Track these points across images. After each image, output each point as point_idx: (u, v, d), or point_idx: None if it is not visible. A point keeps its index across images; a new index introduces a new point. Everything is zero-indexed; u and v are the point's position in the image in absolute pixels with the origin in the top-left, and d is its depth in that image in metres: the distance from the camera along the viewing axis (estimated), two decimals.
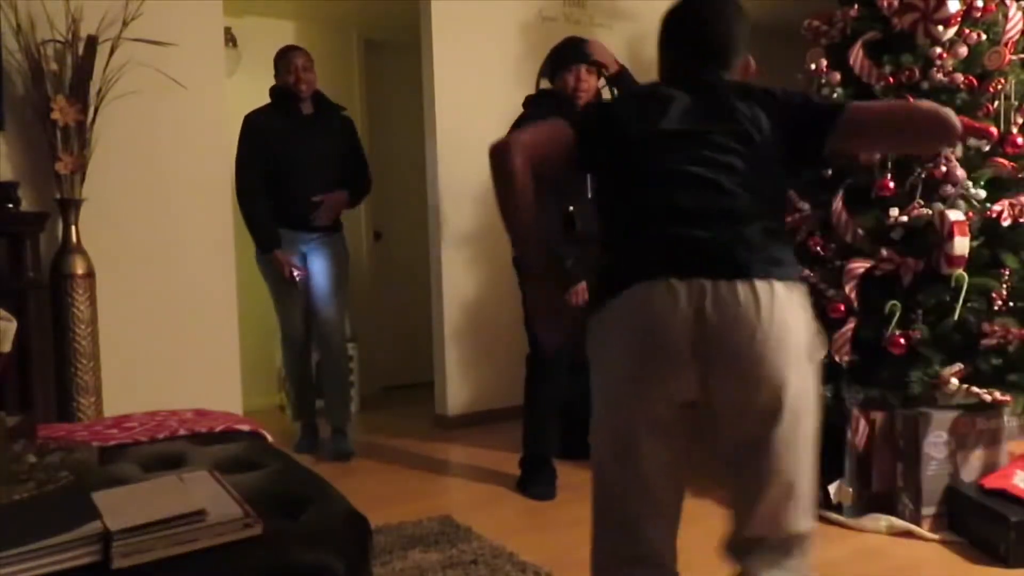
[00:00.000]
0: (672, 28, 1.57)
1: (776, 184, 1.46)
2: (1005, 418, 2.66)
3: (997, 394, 2.55)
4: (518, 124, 2.92)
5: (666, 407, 1.34)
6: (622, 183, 1.46)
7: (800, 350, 1.30)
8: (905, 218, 2.70)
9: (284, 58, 3.55)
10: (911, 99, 2.70)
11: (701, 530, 2.73)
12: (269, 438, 2.02)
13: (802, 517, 1.36)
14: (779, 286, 1.28)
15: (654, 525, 1.46)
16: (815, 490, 1.39)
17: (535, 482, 3.05)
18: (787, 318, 1.28)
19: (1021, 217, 2.68)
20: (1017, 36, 2.79)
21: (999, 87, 2.71)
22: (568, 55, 3.11)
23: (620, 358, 1.35)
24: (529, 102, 3.17)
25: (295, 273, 3.54)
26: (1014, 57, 2.76)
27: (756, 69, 1.63)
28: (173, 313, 3.35)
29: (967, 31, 2.73)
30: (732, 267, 1.28)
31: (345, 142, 3.68)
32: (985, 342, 2.61)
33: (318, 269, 3.60)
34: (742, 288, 1.27)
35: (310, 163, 3.51)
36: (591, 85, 3.09)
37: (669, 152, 1.41)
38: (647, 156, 1.43)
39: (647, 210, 1.40)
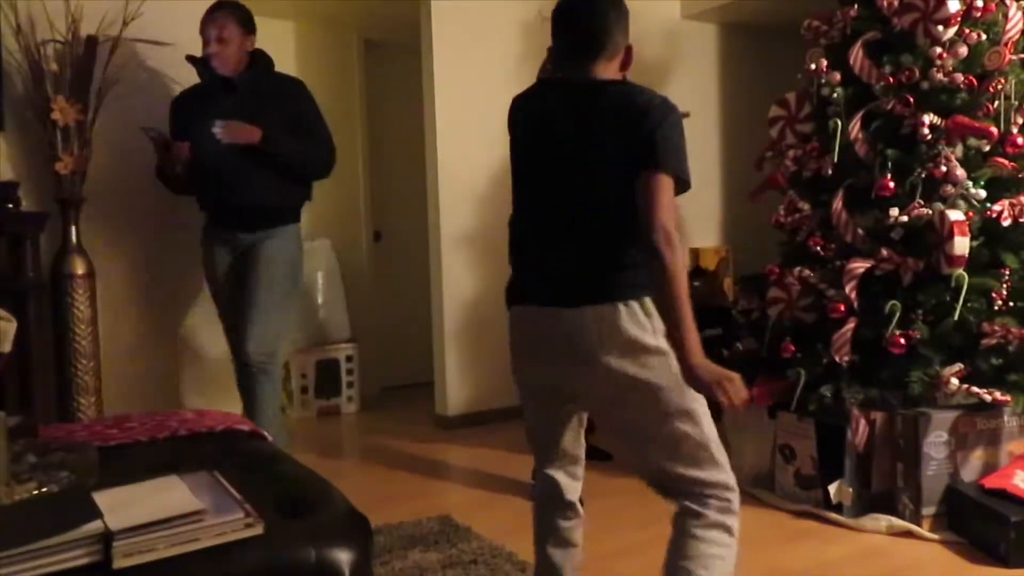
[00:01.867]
0: (554, 22, 1.70)
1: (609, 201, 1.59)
2: (1005, 418, 2.66)
3: (997, 394, 2.55)
4: None
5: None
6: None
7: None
8: (905, 218, 2.70)
9: (202, 22, 2.93)
10: (911, 100, 2.71)
11: None
12: (269, 438, 2.03)
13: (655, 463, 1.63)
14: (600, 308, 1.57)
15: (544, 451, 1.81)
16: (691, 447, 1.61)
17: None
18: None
19: (1021, 217, 2.68)
20: (1017, 36, 2.79)
21: (999, 87, 2.71)
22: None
23: None
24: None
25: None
26: (1014, 57, 2.76)
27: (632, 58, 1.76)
28: (173, 313, 3.35)
29: (967, 31, 2.73)
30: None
31: (281, 116, 2.92)
32: (985, 342, 2.61)
33: (245, 272, 2.95)
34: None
35: (228, 148, 2.82)
36: None
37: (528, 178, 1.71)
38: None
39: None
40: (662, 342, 1.55)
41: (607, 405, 1.64)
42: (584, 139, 1.59)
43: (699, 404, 1.60)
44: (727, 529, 1.65)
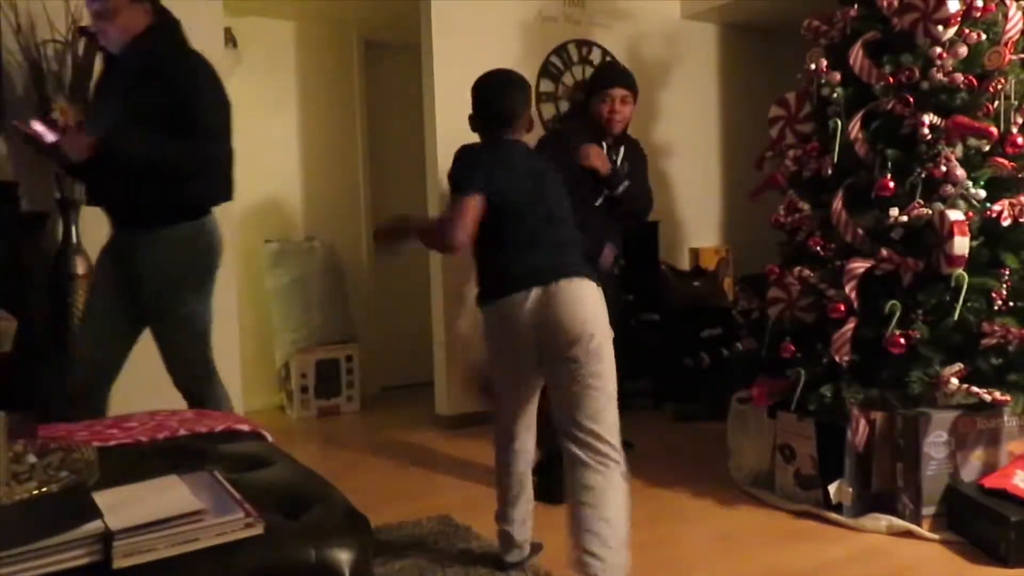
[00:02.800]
0: (474, 99, 2.26)
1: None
2: (1005, 418, 2.65)
3: (997, 394, 2.55)
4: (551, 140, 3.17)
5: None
6: None
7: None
8: (905, 218, 2.70)
9: None
10: (911, 100, 2.71)
11: (703, 530, 2.74)
12: (269, 438, 2.02)
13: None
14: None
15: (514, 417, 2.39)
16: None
17: (556, 490, 2.98)
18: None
19: (1021, 217, 2.68)
20: (1017, 36, 2.79)
21: (999, 87, 2.71)
22: (605, 80, 3.16)
23: None
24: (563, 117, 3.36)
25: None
26: (1014, 57, 2.76)
27: (532, 125, 2.31)
28: None
29: (967, 31, 2.73)
30: None
31: (157, 100, 2.40)
32: (985, 342, 2.61)
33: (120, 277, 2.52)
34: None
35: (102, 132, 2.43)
36: (625, 115, 3.12)
37: None
38: None
39: None
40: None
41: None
42: None
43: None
44: (624, 478, 2.06)
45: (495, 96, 2.23)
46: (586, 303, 2.03)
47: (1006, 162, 2.71)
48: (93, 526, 1.16)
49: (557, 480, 3.00)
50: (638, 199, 3.23)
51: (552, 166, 2.28)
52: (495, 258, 2.14)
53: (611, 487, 1.99)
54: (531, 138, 2.39)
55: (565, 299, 2.01)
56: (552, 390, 2.11)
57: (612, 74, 3.22)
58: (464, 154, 2.18)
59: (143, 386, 3.24)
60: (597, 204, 3.08)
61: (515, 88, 2.27)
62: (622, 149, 3.21)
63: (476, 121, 2.27)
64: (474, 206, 2.06)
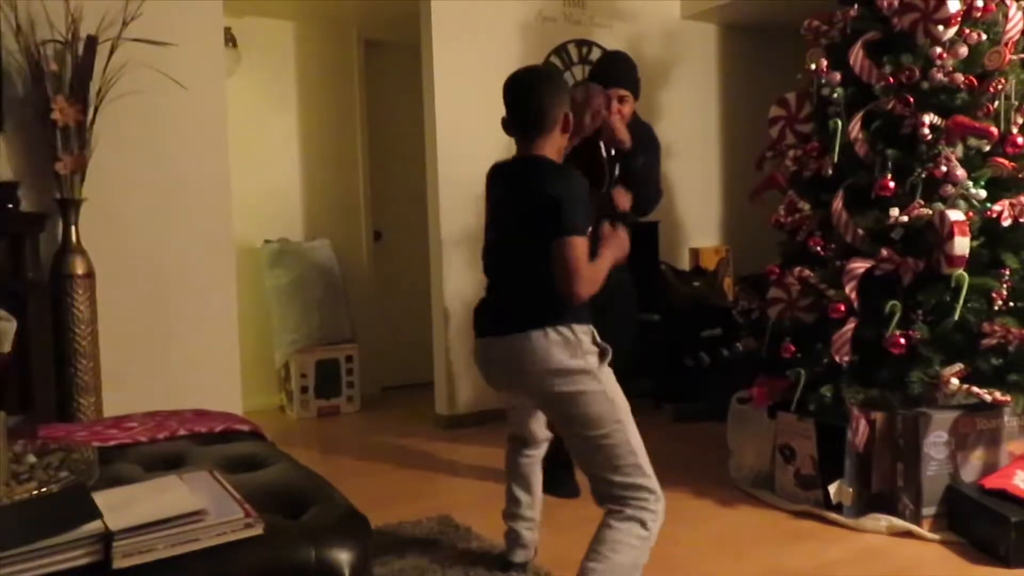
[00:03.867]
0: (504, 98, 2.02)
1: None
2: (1005, 418, 2.65)
3: (997, 394, 2.55)
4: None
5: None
6: None
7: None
8: (905, 218, 2.70)
9: None
10: (911, 100, 2.71)
11: (703, 531, 2.74)
12: (269, 438, 2.03)
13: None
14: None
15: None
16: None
17: (560, 481, 2.99)
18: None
19: (1021, 217, 2.68)
20: (1017, 36, 2.79)
21: (999, 87, 2.71)
22: (600, 79, 3.07)
23: None
24: None
25: None
26: (1014, 57, 2.76)
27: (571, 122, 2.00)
28: (173, 313, 3.35)
29: (967, 31, 2.73)
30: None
31: None
32: (985, 342, 2.61)
33: None
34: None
35: None
36: (624, 114, 3.04)
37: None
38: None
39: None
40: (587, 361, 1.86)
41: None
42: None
43: (625, 415, 1.86)
44: (642, 523, 1.81)
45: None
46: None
47: (1006, 162, 2.71)
48: (93, 526, 1.16)
49: (563, 472, 3.03)
50: (647, 183, 3.12)
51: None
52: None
53: (616, 536, 1.80)
54: None
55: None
56: None
57: (609, 74, 3.15)
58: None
59: (143, 386, 3.25)
60: (604, 191, 2.99)
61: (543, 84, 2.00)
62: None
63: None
64: None
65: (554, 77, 2.03)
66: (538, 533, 2.39)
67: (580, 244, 1.83)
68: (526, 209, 1.92)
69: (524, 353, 1.86)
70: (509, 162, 2.10)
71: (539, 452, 2.38)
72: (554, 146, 2.00)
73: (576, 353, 1.84)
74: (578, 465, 1.96)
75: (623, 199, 3.03)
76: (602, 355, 1.89)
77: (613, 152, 2.99)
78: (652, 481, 1.84)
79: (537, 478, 2.37)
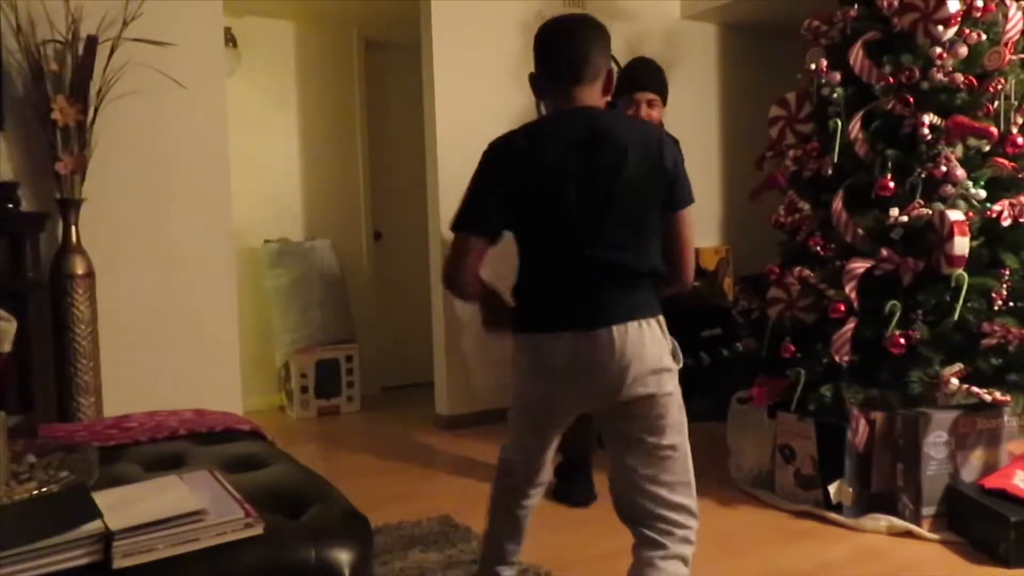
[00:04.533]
0: (537, 48, 1.78)
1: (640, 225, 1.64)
2: (1005, 418, 2.65)
3: (997, 394, 2.55)
4: None
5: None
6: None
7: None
8: (905, 218, 2.70)
9: None
10: (911, 100, 2.71)
11: (702, 530, 2.73)
12: (269, 438, 2.03)
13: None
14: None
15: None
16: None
17: (575, 490, 2.97)
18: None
19: (1021, 217, 2.68)
20: (1017, 36, 2.79)
21: (999, 87, 2.71)
22: (631, 83, 2.95)
23: None
24: None
25: None
26: (1014, 57, 2.76)
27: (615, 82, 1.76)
28: (173, 313, 3.35)
29: (967, 31, 2.73)
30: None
31: None
32: (985, 342, 2.61)
33: None
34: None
35: None
36: (653, 119, 2.92)
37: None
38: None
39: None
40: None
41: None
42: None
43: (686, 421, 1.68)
44: (684, 560, 1.63)
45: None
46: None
47: (1006, 162, 2.71)
48: (93, 526, 1.16)
49: (580, 474, 3.00)
50: None
51: None
52: None
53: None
54: None
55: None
56: None
57: (639, 77, 3.02)
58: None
59: (143, 386, 3.25)
60: None
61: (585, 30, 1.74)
62: None
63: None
64: None
65: (601, 25, 1.76)
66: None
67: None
68: (642, 176, 1.61)
69: (620, 349, 1.57)
70: (577, 119, 1.64)
71: (538, 498, 1.96)
72: (600, 104, 1.72)
73: (667, 349, 1.64)
74: (619, 472, 1.69)
75: None
76: (674, 354, 1.68)
77: None
78: (696, 503, 1.68)
79: (527, 524, 1.98)
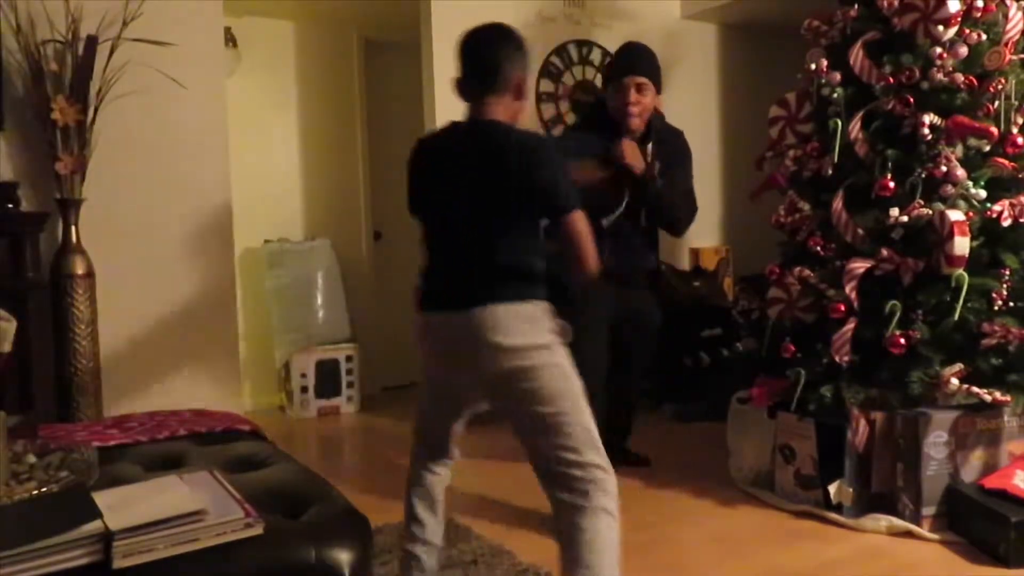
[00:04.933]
0: (457, 53, 1.88)
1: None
2: (1005, 418, 2.65)
3: (997, 394, 2.54)
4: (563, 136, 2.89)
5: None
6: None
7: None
8: (905, 218, 2.70)
9: None
10: (911, 100, 2.71)
11: (703, 531, 2.74)
12: (269, 438, 2.03)
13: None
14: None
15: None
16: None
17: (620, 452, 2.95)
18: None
19: (1021, 217, 2.68)
20: (1017, 36, 2.79)
21: (999, 87, 2.71)
22: (618, 68, 2.92)
23: None
24: (581, 116, 3.06)
25: None
26: (1014, 57, 2.75)
27: (526, 91, 1.89)
28: (173, 313, 3.35)
29: (967, 31, 2.72)
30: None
31: None
32: (985, 342, 2.61)
33: None
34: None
35: None
36: (644, 105, 2.88)
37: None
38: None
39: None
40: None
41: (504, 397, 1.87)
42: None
43: (581, 396, 1.79)
44: (608, 511, 1.76)
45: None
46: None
47: (1006, 162, 2.71)
48: (93, 526, 1.16)
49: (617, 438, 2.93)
50: (674, 206, 2.93)
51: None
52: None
53: (587, 538, 1.76)
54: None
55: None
56: None
57: (628, 60, 2.95)
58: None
59: (143, 386, 3.25)
60: (617, 213, 2.89)
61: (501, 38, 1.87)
62: (650, 147, 2.95)
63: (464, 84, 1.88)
64: None
65: (513, 34, 1.87)
66: (437, 561, 2.07)
67: (582, 218, 1.79)
68: (505, 184, 1.78)
69: (485, 327, 1.75)
70: (462, 129, 1.87)
71: (447, 471, 2.06)
72: (508, 111, 1.86)
73: (537, 329, 1.79)
74: (528, 449, 1.83)
75: (633, 155, 2.84)
76: (561, 334, 1.82)
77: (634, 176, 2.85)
78: (605, 458, 1.79)
79: (442, 499, 2.05)
